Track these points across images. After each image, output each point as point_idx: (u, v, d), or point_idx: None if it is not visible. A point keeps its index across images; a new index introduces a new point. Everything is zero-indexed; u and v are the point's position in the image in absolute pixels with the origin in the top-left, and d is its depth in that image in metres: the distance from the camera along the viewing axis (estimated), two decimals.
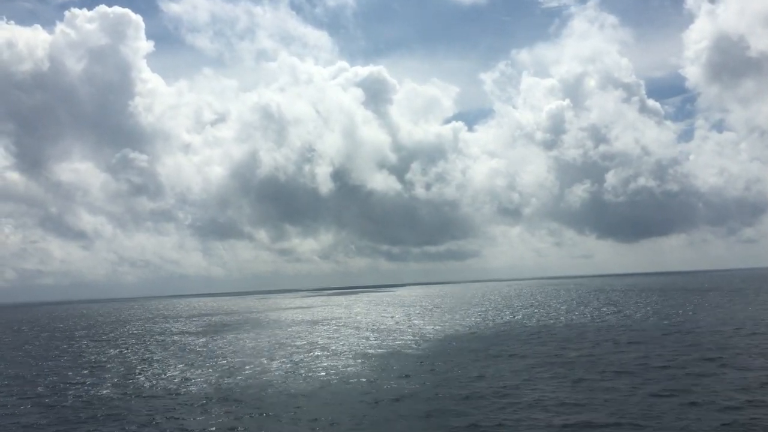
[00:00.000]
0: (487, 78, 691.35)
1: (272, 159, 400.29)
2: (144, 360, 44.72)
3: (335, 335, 57.60)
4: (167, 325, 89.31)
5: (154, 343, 59.20)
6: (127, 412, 26.73)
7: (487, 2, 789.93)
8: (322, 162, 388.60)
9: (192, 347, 52.29)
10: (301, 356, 42.24)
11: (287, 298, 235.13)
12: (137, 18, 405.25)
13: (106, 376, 37.52)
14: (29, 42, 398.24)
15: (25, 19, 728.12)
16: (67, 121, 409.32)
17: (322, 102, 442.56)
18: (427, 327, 62.00)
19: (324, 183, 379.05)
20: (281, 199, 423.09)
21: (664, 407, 22.85)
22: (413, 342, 47.99)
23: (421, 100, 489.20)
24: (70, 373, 39.42)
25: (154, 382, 34.32)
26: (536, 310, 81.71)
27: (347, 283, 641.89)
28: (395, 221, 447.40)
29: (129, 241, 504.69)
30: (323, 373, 34.16)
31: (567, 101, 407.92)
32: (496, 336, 49.91)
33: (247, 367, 37.92)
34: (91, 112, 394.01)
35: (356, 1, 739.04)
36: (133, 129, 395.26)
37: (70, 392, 32.31)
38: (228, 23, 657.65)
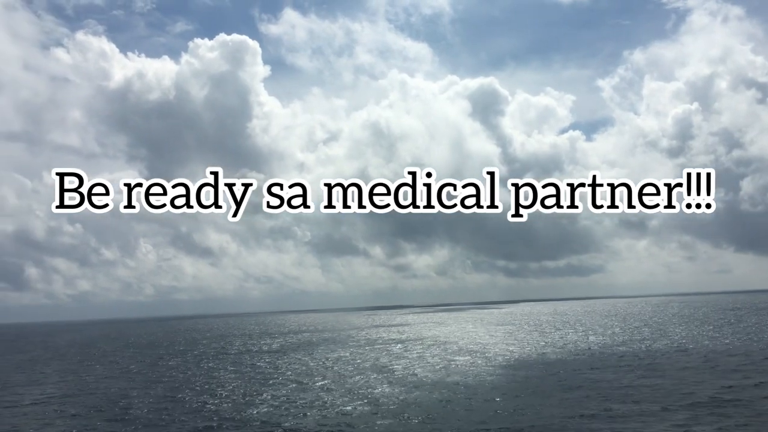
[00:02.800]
0: (606, 84, 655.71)
1: (381, 175, 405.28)
2: (208, 378, 45.17)
3: (407, 355, 55.59)
4: (264, 341, 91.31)
5: (233, 361, 60.15)
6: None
7: (598, 6, 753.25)
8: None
9: (265, 366, 52.37)
10: (356, 378, 41.01)
11: (395, 315, 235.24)
12: (254, 44, 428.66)
13: (156, 392, 38.08)
14: (157, 72, 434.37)
15: (157, 51, 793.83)
16: (192, 145, 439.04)
17: (431, 116, 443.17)
18: (509, 349, 58.15)
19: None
20: (393, 215, 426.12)
21: None
22: (481, 367, 44.78)
23: (535, 111, 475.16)
24: (119, 387, 40.55)
25: (193, 402, 34.22)
26: (646, 330, 74.54)
27: (465, 299, 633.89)
28: (510, 236, 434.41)
29: (252, 257, 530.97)
30: (357, 401, 32.42)
31: (695, 105, 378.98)
32: (578, 360, 45.55)
33: (302, 391, 37.18)
34: (213, 135, 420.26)
35: (454, 9, 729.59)
36: (251, 150, 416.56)
37: (110, 406, 32.90)
38: (326, 41, 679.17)
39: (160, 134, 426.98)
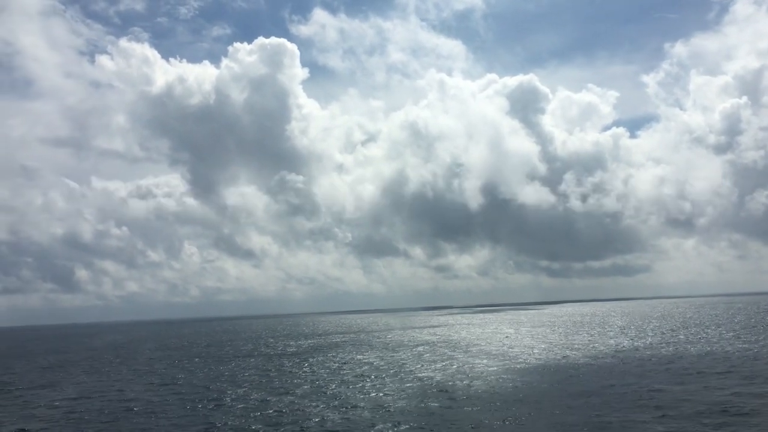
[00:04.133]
0: (650, 80, 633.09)
1: (420, 175, 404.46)
2: (223, 381, 45.38)
3: (427, 358, 54.78)
4: (291, 343, 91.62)
5: (254, 364, 60.42)
6: None
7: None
8: (471, 176, 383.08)
9: (283, 369, 52.41)
10: (364, 383, 40.42)
11: (432, 316, 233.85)
12: (292, 47, 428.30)
13: (167, 395, 38.37)
14: (198, 77, 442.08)
15: (199, 56, 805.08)
16: (233, 148, 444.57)
17: (470, 115, 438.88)
18: (532, 352, 56.56)
19: (474, 197, 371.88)
20: (432, 216, 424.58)
21: None
22: (496, 371, 43.53)
23: (577, 108, 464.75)
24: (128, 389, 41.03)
25: (197, 406, 34.31)
26: (680, 333, 71.76)
27: (508, 300, 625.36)
28: (552, 235, 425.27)
29: (293, 259, 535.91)
30: (357, 408, 31.92)
31: (744, 99, 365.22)
32: (598, 364, 43.95)
33: (307, 396, 36.90)
34: (254, 138, 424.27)
35: (486, 4, 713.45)
36: (290, 152, 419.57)
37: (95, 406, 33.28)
38: (357, 40, 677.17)
39: (202, 138, 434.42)
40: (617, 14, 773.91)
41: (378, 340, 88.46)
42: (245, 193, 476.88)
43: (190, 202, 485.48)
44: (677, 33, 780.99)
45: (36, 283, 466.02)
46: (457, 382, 38.58)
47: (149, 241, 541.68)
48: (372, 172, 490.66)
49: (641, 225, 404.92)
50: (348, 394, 35.83)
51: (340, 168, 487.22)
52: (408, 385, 38.29)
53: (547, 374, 40.23)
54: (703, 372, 37.25)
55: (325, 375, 45.81)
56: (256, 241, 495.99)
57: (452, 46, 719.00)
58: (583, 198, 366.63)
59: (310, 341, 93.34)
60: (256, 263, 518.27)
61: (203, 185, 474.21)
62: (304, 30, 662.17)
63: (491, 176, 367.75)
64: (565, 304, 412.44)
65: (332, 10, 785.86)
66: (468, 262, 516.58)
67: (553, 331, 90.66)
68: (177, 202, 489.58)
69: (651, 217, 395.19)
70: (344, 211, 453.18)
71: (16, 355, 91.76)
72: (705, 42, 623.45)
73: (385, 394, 34.84)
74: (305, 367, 52.19)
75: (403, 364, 50.99)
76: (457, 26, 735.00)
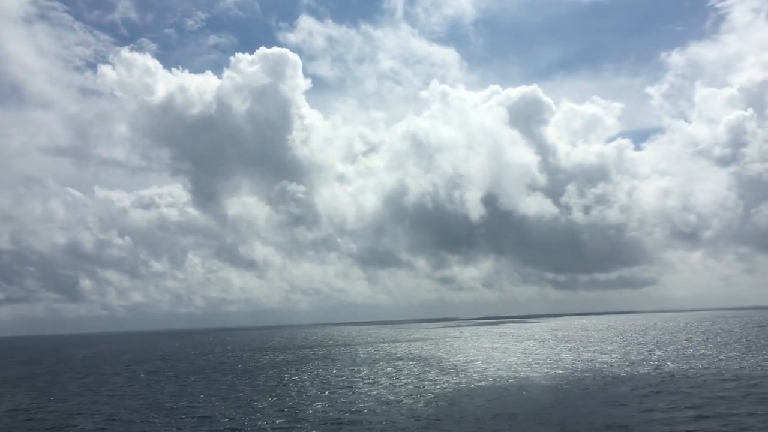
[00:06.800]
0: (655, 92, 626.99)
1: (422, 186, 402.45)
2: (175, 395, 44.12)
3: (387, 372, 53.15)
4: (269, 355, 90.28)
5: (212, 377, 59.03)
6: None
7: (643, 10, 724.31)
8: (473, 187, 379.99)
9: (241, 384, 51.11)
10: (322, 400, 38.93)
11: (430, 329, 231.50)
12: (294, 57, 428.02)
13: (113, 408, 37.09)
14: (200, 87, 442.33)
15: (202, 67, 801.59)
16: (234, 158, 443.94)
17: (472, 126, 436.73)
18: (492, 369, 54.74)
19: (476, 208, 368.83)
20: (435, 227, 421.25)
21: None
22: (442, 389, 41.91)
23: (581, 120, 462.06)
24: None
25: (138, 421, 32.94)
26: (655, 351, 69.63)
27: (515, 312, 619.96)
28: (556, 247, 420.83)
29: (297, 269, 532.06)
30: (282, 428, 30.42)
31: (749, 111, 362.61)
32: (545, 384, 42.14)
33: (231, 419, 35.40)
34: (255, 148, 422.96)
35: (477, 9, 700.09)
36: (292, 162, 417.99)
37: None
38: (347, 46, 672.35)
39: (203, 148, 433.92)
40: (622, 26, 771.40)
41: (358, 353, 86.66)
42: (247, 203, 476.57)
43: (192, 212, 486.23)
44: (674, 42, 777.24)
45: (40, 292, 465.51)
46: (402, 402, 37.03)
47: (152, 251, 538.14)
48: (373, 182, 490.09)
49: (646, 237, 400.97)
50: (283, 415, 34.36)
51: (342, 178, 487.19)
52: (344, 406, 36.79)
53: (489, 392, 38.83)
54: (641, 392, 35.66)
55: (273, 391, 44.38)
56: (259, 251, 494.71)
57: (445, 54, 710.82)
58: (587, 210, 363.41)
59: (291, 354, 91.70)
60: (260, 274, 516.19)
61: (205, 195, 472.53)
62: (291, 37, 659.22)
63: (493, 187, 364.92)
64: (571, 317, 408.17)
65: (318, 17, 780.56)
66: (472, 273, 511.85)
67: (539, 344, 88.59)
68: (179, 212, 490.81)
69: (656, 230, 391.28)
70: (346, 221, 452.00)
71: None
72: (702, 51, 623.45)
73: (314, 418, 33.31)
74: (261, 383, 50.69)
75: (362, 379, 49.50)
76: (450, 35, 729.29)
